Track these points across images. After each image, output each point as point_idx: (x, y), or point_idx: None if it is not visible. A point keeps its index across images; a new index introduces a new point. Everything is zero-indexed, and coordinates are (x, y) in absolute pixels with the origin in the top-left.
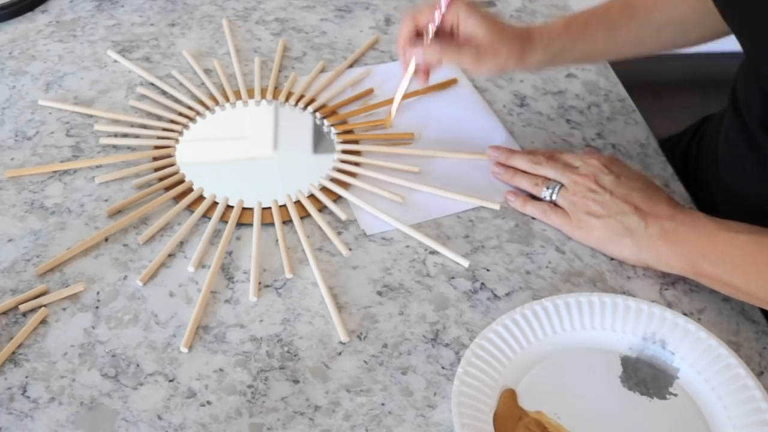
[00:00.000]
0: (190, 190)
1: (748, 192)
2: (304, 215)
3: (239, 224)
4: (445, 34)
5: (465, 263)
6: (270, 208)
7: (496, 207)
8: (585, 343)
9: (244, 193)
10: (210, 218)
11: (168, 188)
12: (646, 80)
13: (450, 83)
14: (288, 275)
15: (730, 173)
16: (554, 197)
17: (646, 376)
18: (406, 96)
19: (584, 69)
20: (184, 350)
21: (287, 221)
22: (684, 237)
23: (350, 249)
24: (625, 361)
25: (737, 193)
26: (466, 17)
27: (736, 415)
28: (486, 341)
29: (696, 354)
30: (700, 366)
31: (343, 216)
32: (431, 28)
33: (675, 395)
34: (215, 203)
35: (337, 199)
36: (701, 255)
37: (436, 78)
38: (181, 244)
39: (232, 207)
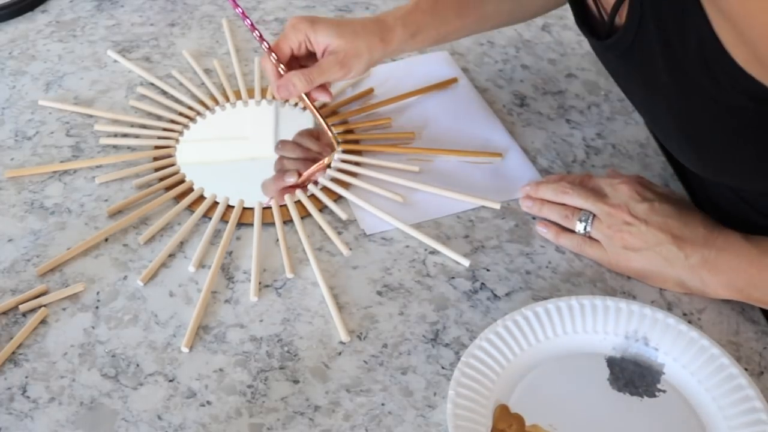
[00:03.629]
0: (190, 190)
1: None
2: (305, 215)
3: (239, 224)
4: (306, 56)
5: (465, 263)
6: (270, 208)
7: (497, 206)
8: (569, 349)
9: (244, 193)
10: (210, 218)
11: (168, 188)
12: None
13: (450, 83)
14: (289, 275)
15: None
16: (588, 230)
17: (633, 376)
18: (408, 95)
19: (584, 69)
20: (185, 350)
21: (287, 221)
22: (727, 266)
23: (350, 249)
24: (611, 362)
25: (745, 198)
26: (313, 33)
27: (725, 405)
28: (473, 359)
29: (679, 348)
30: (685, 360)
31: (343, 216)
32: (271, 67)
33: (663, 391)
34: (216, 203)
35: (337, 199)
36: (749, 284)
37: (435, 78)
38: (181, 244)
39: (233, 207)
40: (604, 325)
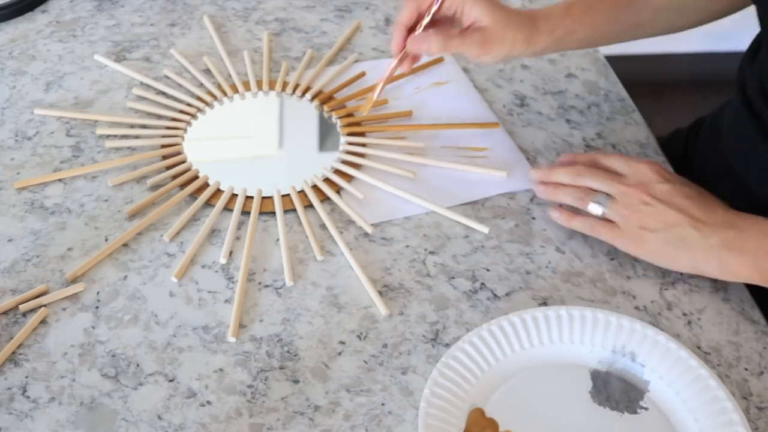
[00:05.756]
0: (206, 185)
1: (763, 187)
2: (323, 199)
3: (241, 222)
4: (445, 20)
5: (485, 230)
6: (288, 195)
7: (504, 174)
8: (554, 358)
9: (259, 183)
10: (232, 210)
11: (183, 185)
12: (646, 80)
13: (437, 61)
14: (319, 257)
15: (742, 168)
16: (605, 211)
17: (615, 391)
18: (394, 78)
19: (584, 69)
20: (232, 340)
21: (288, 210)
22: (750, 246)
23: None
24: (595, 376)
25: (749, 186)
26: (471, 3)
27: (707, 427)
28: (453, 360)
29: (666, 366)
30: (671, 378)
31: (360, 195)
32: (427, 18)
33: (646, 409)
34: (234, 195)
35: (339, 190)
36: None
37: (435, 77)
38: (182, 244)
39: (237, 197)
40: (591, 338)
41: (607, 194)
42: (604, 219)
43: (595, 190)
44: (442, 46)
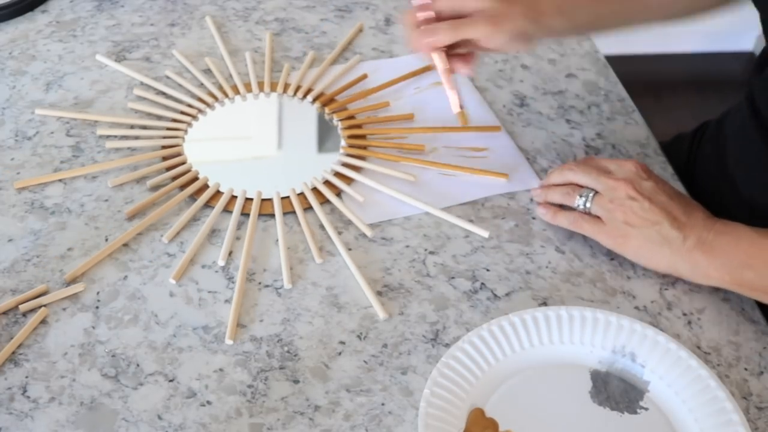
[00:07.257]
0: (206, 186)
1: (765, 195)
2: (323, 202)
3: (240, 222)
4: (451, 17)
5: (485, 233)
6: (288, 197)
7: (505, 178)
8: (554, 359)
9: (259, 185)
10: (231, 212)
11: (183, 186)
12: (646, 80)
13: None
14: (318, 260)
15: (746, 178)
16: (588, 205)
17: (616, 391)
18: (402, 78)
19: (584, 69)
20: (230, 342)
21: (287, 213)
22: (723, 248)
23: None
24: (595, 376)
25: (752, 197)
26: None
27: (707, 427)
28: (453, 360)
29: (666, 366)
30: (671, 378)
31: (360, 198)
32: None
33: (646, 409)
34: (234, 197)
35: (340, 193)
36: (743, 264)
37: (434, 76)
38: (182, 244)
39: (237, 198)
40: (591, 338)
41: (593, 190)
42: (588, 215)
43: (582, 186)
44: (451, 32)
